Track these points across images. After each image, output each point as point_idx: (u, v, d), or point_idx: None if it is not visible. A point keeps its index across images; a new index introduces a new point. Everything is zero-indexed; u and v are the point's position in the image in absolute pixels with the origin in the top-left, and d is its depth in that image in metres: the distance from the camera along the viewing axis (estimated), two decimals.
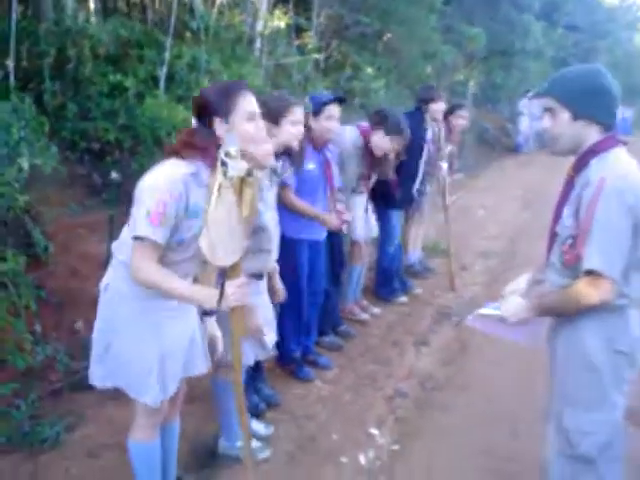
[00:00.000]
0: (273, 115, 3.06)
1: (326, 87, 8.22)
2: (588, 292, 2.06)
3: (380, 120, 4.34)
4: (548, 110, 2.22)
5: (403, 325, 4.97)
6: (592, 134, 2.17)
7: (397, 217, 5.35)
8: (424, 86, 5.83)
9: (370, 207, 4.86)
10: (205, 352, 2.47)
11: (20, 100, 4.17)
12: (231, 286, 2.14)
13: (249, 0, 7.89)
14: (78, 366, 3.66)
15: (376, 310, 5.10)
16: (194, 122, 2.25)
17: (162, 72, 5.93)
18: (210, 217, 2.06)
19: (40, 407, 3.28)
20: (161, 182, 2.10)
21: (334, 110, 3.74)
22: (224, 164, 2.06)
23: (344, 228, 4.02)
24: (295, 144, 3.22)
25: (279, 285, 3.24)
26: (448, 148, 5.91)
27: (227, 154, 2.06)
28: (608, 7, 26.31)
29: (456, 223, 8.55)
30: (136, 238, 2.11)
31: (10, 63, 4.66)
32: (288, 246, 3.47)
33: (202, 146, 2.16)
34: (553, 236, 2.30)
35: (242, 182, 2.08)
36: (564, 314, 2.24)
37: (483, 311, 2.47)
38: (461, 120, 5.80)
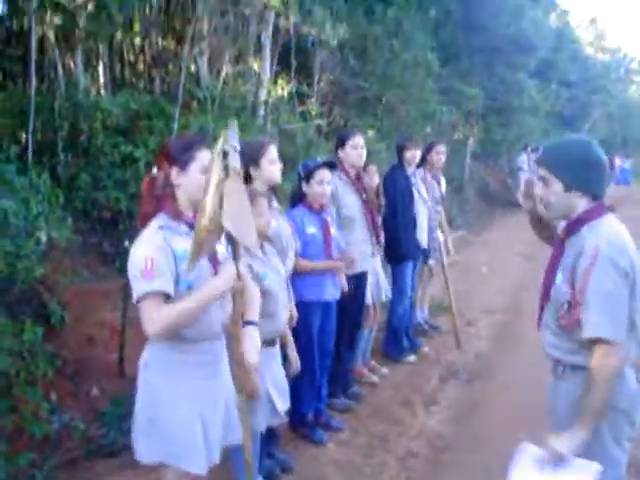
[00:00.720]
0: (253, 158, 3.29)
1: (329, 151, 8.45)
2: (608, 363, 2.14)
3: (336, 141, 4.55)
4: (542, 179, 2.34)
5: (411, 385, 5.00)
6: (583, 203, 2.28)
7: (409, 272, 5.36)
8: (401, 135, 5.92)
9: (382, 270, 4.96)
10: (239, 421, 2.51)
11: (37, 174, 4.35)
12: (225, 266, 2.33)
13: (253, 70, 8.20)
14: (94, 433, 3.72)
15: (384, 371, 5.14)
16: (155, 170, 2.41)
17: None
18: (226, 207, 2.18)
19: (56, 476, 3.32)
20: (140, 246, 2.27)
21: (324, 174, 3.86)
22: (225, 156, 2.21)
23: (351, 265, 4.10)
24: (278, 179, 3.41)
25: (294, 353, 3.32)
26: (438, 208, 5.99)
27: (231, 147, 2.23)
28: (600, 62, 27.06)
29: (460, 280, 8.67)
30: (138, 300, 2.23)
31: (29, 137, 4.84)
32: (300, 309, 3.59)
33: (160, 195, 2.34)
34: (545, 297, 2.40)
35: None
36: (606, 399, 2.17)
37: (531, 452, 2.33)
38: (440, 155, 5.82)
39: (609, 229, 2.24)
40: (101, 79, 6.91)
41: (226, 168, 2.22)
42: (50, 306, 4.05)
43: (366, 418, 4.37)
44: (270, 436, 3.43)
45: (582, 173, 2.25)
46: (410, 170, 5.38)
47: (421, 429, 4.24)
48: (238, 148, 2.26)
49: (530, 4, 14.95)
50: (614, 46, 30.67)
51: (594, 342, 2.15)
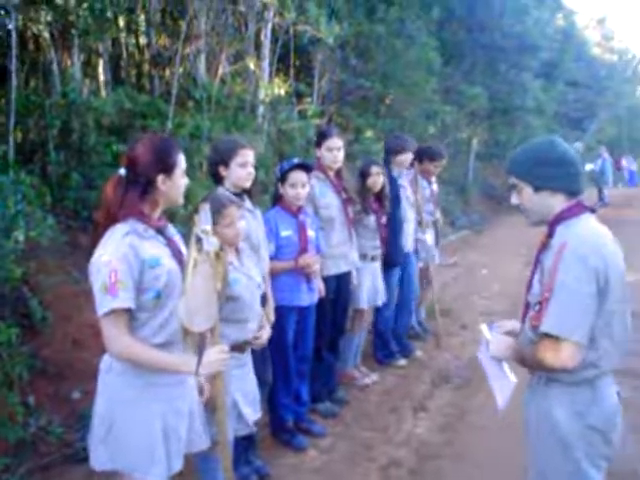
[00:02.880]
0: (223, 158, 3.26)
1: None
2: (546, 356, 2.09)
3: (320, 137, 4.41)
4: (514, 186, 2.32)
5: (401, 390, 4.94)
6: (558, 203, 2.23)
7: (394, 277, 5.29)
8: (392, 136, 5.71)
9: (381, 275, 4.90)
10: (205, 427, 2.49)
11: (17, 174, 4.31)
12: (210, 354, 2.23)
13: (251, 69, 8.15)
14: (72, 437, 3.68)
15: (374, 377, 5.07)
16: (122, 171, 2.31)
17: None
18: (188, 287, 2.17)
19: None
20: (104, 255, 2.20)
21: (298, 177, 3.76)
22: (199, 240, 2.21)
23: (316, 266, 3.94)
24: (246, 185, 3.32)
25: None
26: (437, 215, 5.95)
27: (203, 231, 2.22)
28: (608, 63, 26.87)
29: (460, 282, 8.63)
30: (104, 315, 2.18)
31: (10, 138, 4.81)
32: (275, 314, 3.53)
33: (135, 201, 2.27)
34: (526, 306, 2.35)
35: (216, 257, 2.23)
36: (532, 369, 2.29)
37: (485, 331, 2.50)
38: (438, 169, 5.79)
39: (583, 227, 2.18)
40: (101, 78, 6.90)
41: (200, 251, 2.23)
42: (31, 306, 4.01)
43: (350, 424, 4.31)
44: (247, 443, 3.38)
45: (546, 171, 2.22)
46: (397, 172, 5.25)
47: (407, 437, 4.18)
48: (210, 231, 2.26)
49: (535, 4, 14.82)
50: (622, 47, 30.51)
51: (547, 337, 2.09)
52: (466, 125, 14.86)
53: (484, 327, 2.50)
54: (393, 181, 5.09)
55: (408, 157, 5.21)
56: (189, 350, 2.31)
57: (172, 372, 2.31)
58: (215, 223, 2.88)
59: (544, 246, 2.27)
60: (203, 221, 2.25)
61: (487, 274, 9.32)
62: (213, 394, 2.40)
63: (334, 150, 4.26)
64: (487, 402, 4.73)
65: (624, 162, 26.60)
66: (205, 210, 2.31)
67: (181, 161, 2.36)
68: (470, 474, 3.69)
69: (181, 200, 2.40)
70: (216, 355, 2.28)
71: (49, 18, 5.63)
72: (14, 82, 4.89)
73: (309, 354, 4.09)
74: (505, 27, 13.22)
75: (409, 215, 5.36)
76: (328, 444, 4.00)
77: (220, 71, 7.61)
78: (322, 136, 4.33)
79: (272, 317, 3.43)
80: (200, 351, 2.23)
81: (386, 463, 3.81)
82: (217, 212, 2.91)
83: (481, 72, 14.03)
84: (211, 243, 2.23)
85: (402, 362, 5.42)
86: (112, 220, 2.28)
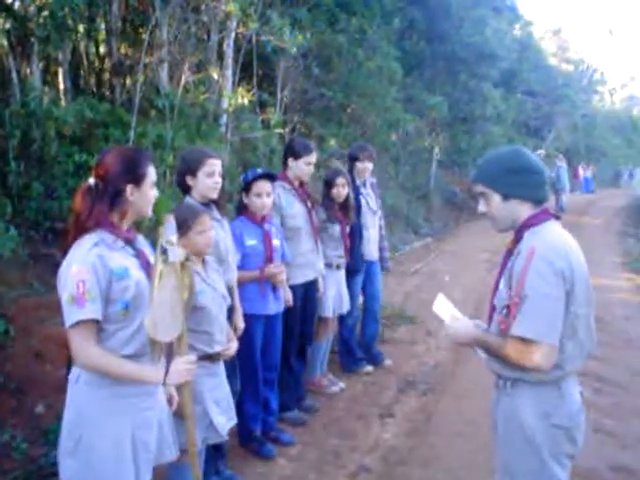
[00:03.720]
0: (190, 168, 3.25)
1: None
2: (519, 357, 2.15)
3: (288, 149, 4.44)
4: (481, 195, 2.37)
5: (368, 396, 4.97)
6: (525, 210, 2.30)
7: (357, 284, 5.30)
8: (354, 145, 5.73)
9: (345, 283, 4.92)
10: (173, 438, 2.48)
11: None
12: (177, 363, 2.24)
13: (214, 78, 8.14)
14: (37, 453, 3.61)
15: (341, 384, 5.09)
16: (91, 180, 2.31)
17: None
18: (154, 298, 2.18)
19: None
20: (72, 265, 2.19)
21: (262, 186, 3.77)
22: (164, 252, 2.21)
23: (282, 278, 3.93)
24: (213, 195, 3.30)
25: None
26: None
27: (168, 242, 2.23)
28: (564, 73, 27.56)
29: (422, 289, 8.71)
30: (71, 326, 2.16)
31: None
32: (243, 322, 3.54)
33: (104, 211, 2.26)
34: (492, 309, 2.40)
35: (182, 267, 2.24)
36: (499, 358, 2.30)
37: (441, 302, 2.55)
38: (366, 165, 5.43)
39: (549, 233, 2.25)
40: (61, 86, 6.80)
41: (165, 262, 2.24)
42: None
43: (319, 432, 4.32)
44: (216, 452, 3.37)
45: (515, 180, 2.28)
46: (359, 181, 5.29)
47: (375, 443, 4.20)
48: (175, 242, 2.26)
49: (493, 14, 15.16)
50: (577, 57, 31.27)
51: (520, 341, 2.14)
52: (427, 134, 15.07)
53: (441, 298, 2.55)
54: (355, 189, 5.13)
55: (367, 165, 5.25)
56: (157, 361, 2.30)
57: (140, 382, 2.29)
58: (189, 229, 2.90)
59: (511, 252, 2.33)
60: (168, 232, 2.25)
61: (450, 281, 9.42)
62: (181, 403, 2.40)
63: (311, 165, 4.36)
64: (454, 406, 4.82)
65: (580, 170, 27.40)
66: (170, 221, 2.31)
67: (151, 173, 2.35)
68: (438, 479, 3.73)
69: (149, 212, 2.40)
70: (183, 365, 2.28)
71: (7, 25, 5.54)
72: None
73: (277, 362, 4.09)
74: (464, 37, 13.48)
75: (369, 222, 5.34)
76: (297, 452, 4.00)
77: (183, 80, 7.56)
78: (304, 150, 4.33)
79: (241, 324, 3.43)
80: (167, 361, 2.23)
81: (355, 470, 3.83)
82: (192, 218, 2.92)
83: (442, 81, 14.28)
84: (176, 254, 2.23)
85: (368, 369, 5.44)
86: (81, 230, 2.26)
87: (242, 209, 3.89)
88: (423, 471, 3.84)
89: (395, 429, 4.45)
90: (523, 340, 2.13)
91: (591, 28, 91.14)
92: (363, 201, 5.28)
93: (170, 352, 2.28)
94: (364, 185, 5.37)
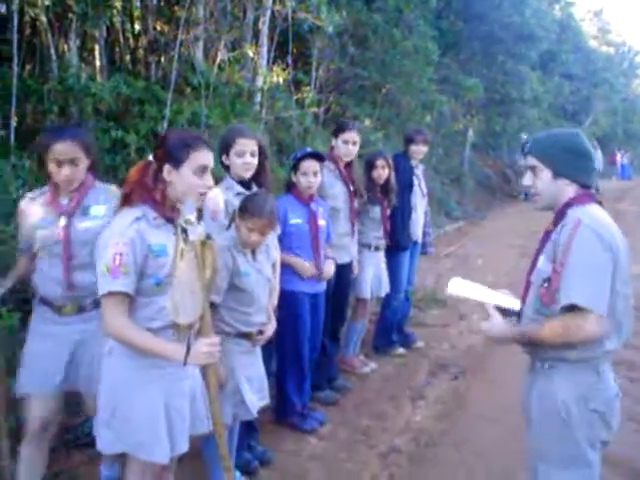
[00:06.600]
0: (224, 147, 3.23)
1: (326, 139, 8.37)
2: (567, 331, 2.11)
3: (337, 128, 4.43)
4: (531, 168, 2.35)
5: (399, 378, 4.96)
6: (571, 191, 2.29)
7: (404, 263, 5.27)
8: (411, 128, 5.84)
9: (384, 266, 4.91)
10: (207, 411, 2.47)
11: (19, 159, 4.27)
12: (199, 344, 2.22)
13: (249, 57, 8.10)
14: (73, 422, 3.67)
15: (373, 365, 5.09)
16: (151, 157, 2.36)
17: (163, 128, 6.05)
18: (176, 280, 2.18)
19: None
20: (111, 236, 2.22)
21: (309, 166, 3.76)
22: (184, 231, 2.22)
23: (320, 277, 3.95)
24: (245, 175, 3.22)
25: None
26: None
27: (186, 221, 2.22)
28: (604, 55, 26.86)
29: (455, 272, 8.62)
30: (103, 296, 2.20)
31: (12, 123, 4.76)
32: (288, 299, 3.56)
33: (149, 187, 2.29)
34: (527, 285, 2.37)
35: (203, 245, 2.21)
36: (546, 345, 2.23)
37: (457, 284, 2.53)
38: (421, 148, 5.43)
39: (594, 212, 2.24)
40: (97, 63, 6.83)
41: (185, 241, 2.23)
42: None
43: (350, 411, 4.32)
44: (249, 428, 3.39)
45: (570, 160, 2.28)
46: (414, 162, 5.32)
47: (405, 425, 4.20)
48: (194, 221, 2.22)
49: None
50: (618, 39, 30.47)
51: (571, 310, 2.10)
52: (462, 115, 14.84)
53: (456, 280, 2.53)
54: (409, 169, 5.20)
55: (421, 149, 5.29)
56: (182, 339, 2.29)
57: (162, 358, 2.28)
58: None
59: (549, 233, 2.30)
60: (187, 211, 2.24)
61: (482, 264, 9.33)
62: (205, 384, 2.38)
63: (349, 143, 4.33)
64: (485, 391, 4.78)
65: (617, 156, 26.78)
66: (189, 201, 2.28)
67: (196, 159, 2.29)
68: (469, 461, 3.71)
69: (194, 198, 2.32)
70: (206, 347, 2.22)
71: (47, 2, 5.56)
72: (15, 67, 4.83)
73: (318, 343, 4.12)
74: (503, 17, 13.18)
75: (418, 204, 5.36)
76: (328, 431, 4.01)
77: (218, 58, 7.55)
78: (340, 128, 4.38)
79: (275, 302, 3.41)
80: (188, 342, 2.22)
81: (385, 450, 3.83)
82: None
83: (478, 62, 14.02)
84: (196, 232, 2.21)
85: (401, 351, 5.43)
86: (127, 201, 2.31)
87: (290, 187, 3.89)
88: (454, 453, 3.82)
89: (426, 412, 4.43)
90: (572, 310, 2.09)
91: (634, 9, 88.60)
92: (416, 181, 5.30)
93: (189, 333, 2.27)
94: (417, 167, 5.41)
